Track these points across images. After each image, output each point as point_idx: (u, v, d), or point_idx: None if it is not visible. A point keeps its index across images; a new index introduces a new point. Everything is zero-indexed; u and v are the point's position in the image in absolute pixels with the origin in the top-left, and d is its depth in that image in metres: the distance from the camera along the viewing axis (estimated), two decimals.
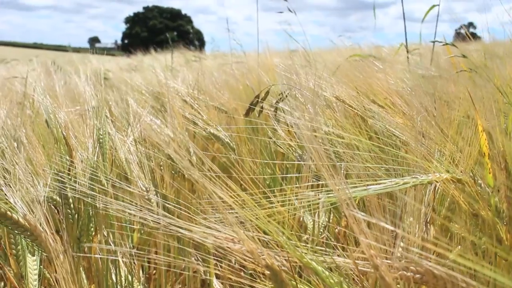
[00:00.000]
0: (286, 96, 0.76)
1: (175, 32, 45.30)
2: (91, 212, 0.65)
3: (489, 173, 0.43)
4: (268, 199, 0.39)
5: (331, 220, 0.77)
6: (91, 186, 0.65)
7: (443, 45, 1.18)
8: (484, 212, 0.42)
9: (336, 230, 0.91)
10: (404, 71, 1.18)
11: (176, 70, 2.41)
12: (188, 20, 47.59)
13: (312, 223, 0.77)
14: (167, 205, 0.50)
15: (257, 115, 0.75)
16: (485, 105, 0.57)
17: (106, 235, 0.75)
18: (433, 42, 1.21)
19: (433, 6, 1.49)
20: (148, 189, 0.69)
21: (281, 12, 1.48)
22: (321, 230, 0.77)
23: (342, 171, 0.59)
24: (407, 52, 1.54)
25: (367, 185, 0.40)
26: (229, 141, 0.84)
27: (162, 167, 0.79)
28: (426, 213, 0.46)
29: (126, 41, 46.00)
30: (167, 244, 0.75)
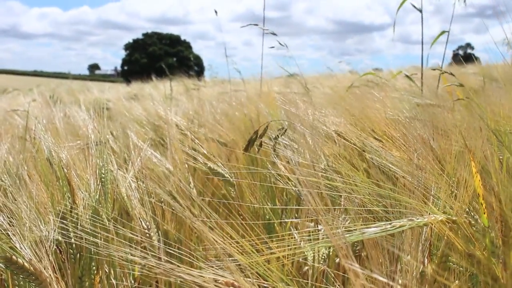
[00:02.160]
0: (285, 131, 0.77)
1: (174, 58, 45.57)
2: (93, 252, 0.65)
3: (484, 213, 0.44)
4: (266, 242, 0.39)
5: (331, 252, 0.77)
6: (93, 225, 0.66)
7: (441, 73, 1.19)
8: (479, 252, 0.42)
9: (337, 260, 0.91)
10: (402, 100, 1.19)
11: (175, 99, 2.43)
12: (187, 46, 47.87)
13: (312, 255, 0.78)
14: (168, 246, 0.50)
15: (256, 150, 0.76)
16: (482, 136, 0.58)
17: (107, 271, 0.76)
18: (434, 69, 1.23)
19: (443, 32, 1.51)
20: (149, 227, 0.70)
21: (272, 47, 1.50)
22: (321, 262, 0.78)
23: (338, 213, 0.60)
24: (411, 79, 1.54)
25: (364, 228, 0.41)
26: (229, 177, 0.84)
27: (163, 204, 0.79)
28: (424, 252, 0.46)
29: (125, 68, 46.24)
30: (169, 280, 0.76)
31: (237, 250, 0.37)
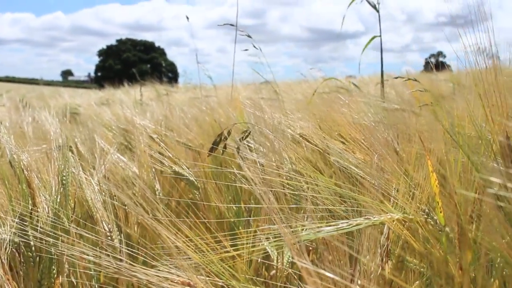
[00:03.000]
0: (248, 134, 0.77)
1: (148, 64, 45.38)
2: (53, 254, 0.64)
3: (440, 212, 0.44)
4: (221, 241, 0.39)
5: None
6: (54, 227, 0.65)
7: (405, 80, 1.21)
8: (435, 251, 0.43)
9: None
10: (368, 105, 1.20)
11: (146, 104, 2.42)
12: (161, 52, 47.73)
13: (276, 257, 0.78)
14: (130, 248, 0.50)
15: (221, 152, 0.76)
16: (445, 139, 0.59)
17: (69, 275, 0.75)
18: (396, 77, 1.24)
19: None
20: (111, 229, 0.69)
21: (246, 50, 1.50)
22: (286, 265, 0.78)
23: (296, 212, 0.60)
24: (382, 85, 1.56)
25: (321, 226, 0.41)
26: (193, 180, 0.84)
27: (126, 207, 0.79)
28: (382, 252, 0.47)
29: (99, 74, 45.90)
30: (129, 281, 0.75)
31: (193, 249, 0.37)
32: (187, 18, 2.03)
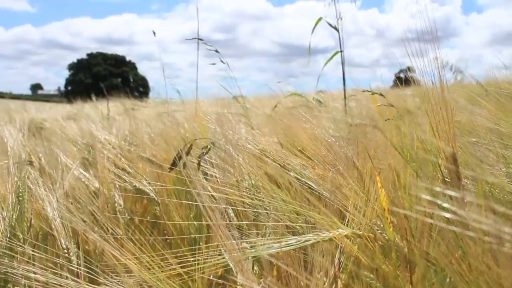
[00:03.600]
0: (209, 150, 0.77)
1: (119, 78, 45.09)
2: (7, 273, 0.63)
3: (390, 227, 0.45)
4: (167, 259, 0.39)
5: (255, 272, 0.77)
6: (8, 246, 0.63)
7: (372, 94, 1.23)
8: (384, 266, 0.43)
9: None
10: (332, 120, 1.21)
11: (114, 119, 2.40)
12: (132, 66, 47.49)
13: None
14: (90, 264, 0.49)
15: (182, 168, 0.76)
16: (405, 154, 0.60)
17: None
18: (364, 91, 1.26)
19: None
20: (68, 246, 0.68)
21: (213, 64, 1.51)
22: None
23: (247, 229, 0.60)
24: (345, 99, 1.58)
25: (272, 243, 0.41)
26: (154, 196, 0.84)
27: (86, 223, 0.78)
28: (335, 268, 0.47)
29: (69, 88, 45.43)
30: None
31: (141, 267, 0.37)
32: (154, 33, 2.04)
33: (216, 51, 1.49)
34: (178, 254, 0.44)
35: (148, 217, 0.95)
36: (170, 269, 0.38)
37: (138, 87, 43.61)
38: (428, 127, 0.50)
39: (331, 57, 1.54)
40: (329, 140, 0.85)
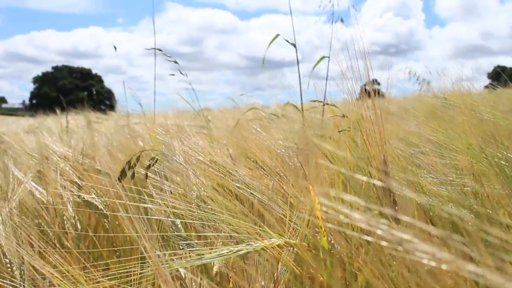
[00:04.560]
0: (156, 161, 0.77)
1: (85, 91, 44.61)
2: None
3: (324, 236, 0.45)
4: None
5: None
6: None
7: (324, 105, 1.24)
8: (319, 275, 0.44)
9: None
10: (290, 131, 1.22)
11: (75, 132, 2.38)
12: (98, 79, 47.08)
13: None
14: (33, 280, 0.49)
15: (130, 180, 0.75)
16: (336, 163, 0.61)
17: None
18: (313, 101, 1.27)
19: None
20: (11, 261, 0.67)
21: (172, 75, 1.51)
22: None
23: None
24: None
25: (202, 254, 0.41)
26: (102, 208, 0.83)
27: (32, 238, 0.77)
28: (274, 276, 0.47)
29: (34, 101, 44.75)
30: None
31: (61, 279, 0.37)
32: (115, 48, 2.03)
33: (175, 62, 1.49)
34: (109, 267, 0.44)
35: (102, 231, 0.94)
36: (95, 282, 0.38)
37: (104, 100, 43.22)
38: (363, 137, 0.51)
39: (316, 64, 1.55)
40: (279, 151, 0.86)
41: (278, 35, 1.56)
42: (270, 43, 1.50)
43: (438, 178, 0.56)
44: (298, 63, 1.47)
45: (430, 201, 0.53)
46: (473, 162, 0.57)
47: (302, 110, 1.45)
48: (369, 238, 0.32)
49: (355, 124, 1.31)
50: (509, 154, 0.55)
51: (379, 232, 0.29)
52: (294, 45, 1.53)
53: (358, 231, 0.43)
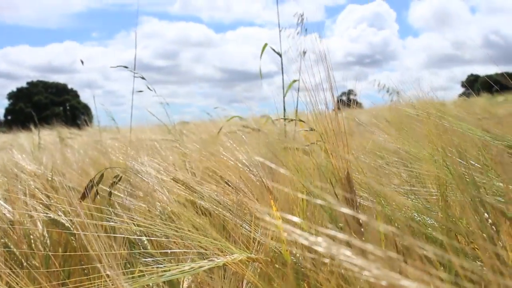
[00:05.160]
0: (120, 179, 0.76)
1: (61, 107, 44.22)
2: None
3: (286, 250, 0.45)
4: None
5: None
6: None
7: (290, 120, 1.24)
8: None
9: None
10: (262, 144, 1.22)
11: (47, 148, 2.35)
12: (74, 94, 46.69)
13: None
14: None
15: (93, 198, 0.74)
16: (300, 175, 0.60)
17: None
18: (284, 118, 1.27)
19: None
20: None
21: (141, 91, 1.50)
22: None
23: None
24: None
25: (165, 271, 0.41)
26: (69, 226, 0.82)
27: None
28: None
29: (9, 117, 44.20)
30: None
31: None
32: (82, 62, 2.02)
33: (142, 78, 1.48)
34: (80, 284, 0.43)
35: (70, 250, 0.92)
36: None
37: (80, 115, 42.86)
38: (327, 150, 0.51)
39: (290, 85, 1.55)
40: (246, 167, 0.85)
41: (266, 44, 1.57)
42: (261, 53, 1.51)
43: (402, 188, 0.56)
44: (282, 73, 1.47)
45: (395, 212, 0.53)
46: (438, 172, 0.57)
47: (285, 120, 1.45)
48: (326, 260, 0.32)
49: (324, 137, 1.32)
50: (472, 162, 0.55)
51: (333, 252, 0.29)
52: (280, 54, 1.54)
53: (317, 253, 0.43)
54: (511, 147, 0.65)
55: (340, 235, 0.30)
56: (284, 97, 1.58)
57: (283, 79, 1.62)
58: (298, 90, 1.62)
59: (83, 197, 0.74)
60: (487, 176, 0.52)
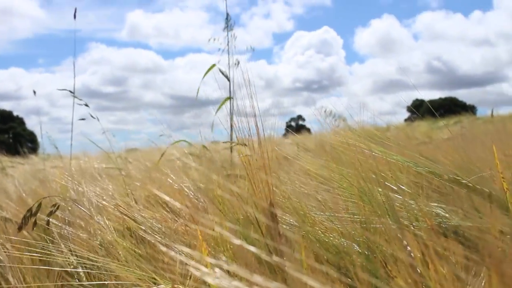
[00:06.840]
0: (57, 208, 0.76)
1: (6, 134, 43.04)
2: None
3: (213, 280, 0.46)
4: None
5: None
6: None
7: (234, 145, 1.27)
8: None
9: None
10: (202, 171, 1.23)
11: None
12: (20, 121, 45.57)
13: None
14: None
15: (31, 228, 0.74)
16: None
17: None
18: (225, 142, 1.30)
19: (226, 99, 1.60)
20: None
21: (83, 119, 1.50)
22: None
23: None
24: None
25: None
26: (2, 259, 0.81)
27: None
28: None
29: None
30: None
31: None
32: (34, 92, 2.01)
33: (86, 105, 1.48)
34: None
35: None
36: None
37: (26, 143, 41.80)
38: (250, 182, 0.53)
39: (222, 104, 1.58)
40: (187, 194, 0.87)
41: (214, 65, 1.59)
42: (206, 73, 1.53)
43: (326, 215, 0.58)
44: (230, 97, 1.50)
45: (321, 236, 0.55)
46: (362, 199, 0.60)
47: (215, 150, 1.47)
48: None
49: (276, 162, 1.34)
50: (390, 186, 0.58)
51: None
52: (228, 78, 1.57)
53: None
54: (431, 173, 0.69)
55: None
56: (219, 118, 1.60)
57: (231, 103, 1.64)
58: (247, 116, 1.64)
59: (20, 228, 0.74)
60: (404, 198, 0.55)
